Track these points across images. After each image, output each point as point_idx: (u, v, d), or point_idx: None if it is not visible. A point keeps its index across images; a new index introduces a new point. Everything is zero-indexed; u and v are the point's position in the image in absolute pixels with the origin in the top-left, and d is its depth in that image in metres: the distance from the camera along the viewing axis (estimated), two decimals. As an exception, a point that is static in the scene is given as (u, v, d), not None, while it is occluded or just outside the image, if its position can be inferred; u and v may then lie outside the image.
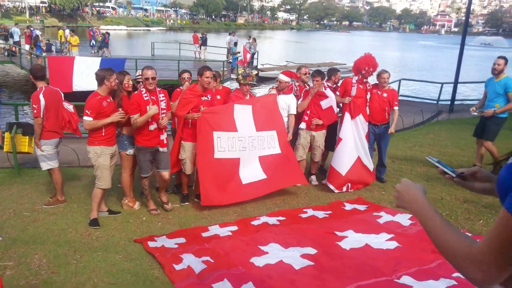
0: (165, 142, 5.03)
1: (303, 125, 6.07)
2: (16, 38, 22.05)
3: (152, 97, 4.85)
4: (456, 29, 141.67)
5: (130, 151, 5.11)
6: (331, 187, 5.86)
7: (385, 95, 6.16)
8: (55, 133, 5.12)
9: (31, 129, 5.70)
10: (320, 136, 6.12)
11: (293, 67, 18.94)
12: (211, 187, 5.21)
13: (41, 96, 4.89)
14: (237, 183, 5.42)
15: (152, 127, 4.87)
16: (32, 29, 22.46)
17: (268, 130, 5.72)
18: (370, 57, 6.04)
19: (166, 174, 5.14)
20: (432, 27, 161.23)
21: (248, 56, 18.93)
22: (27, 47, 20.80)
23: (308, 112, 6.01)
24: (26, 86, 18.67)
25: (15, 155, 6.26)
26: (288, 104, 5.92)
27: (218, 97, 5.81)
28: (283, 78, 5.96)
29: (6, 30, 23.67)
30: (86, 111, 4.59)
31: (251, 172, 5.53)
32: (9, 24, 30.21)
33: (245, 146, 5.52)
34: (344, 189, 5.88)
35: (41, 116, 4.92)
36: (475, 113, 6.44)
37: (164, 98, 4.99)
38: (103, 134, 4.71)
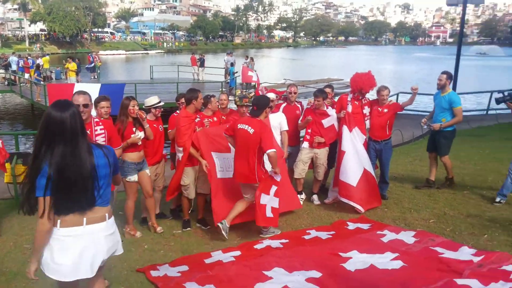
0: None
1: (305, 144, 6.09)
2: (14, 67, 22.31)
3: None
4: (451, 40, 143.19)
5: (131, 178, 5.06)
6: (354, 204, 5.69)
7: (385, 110, 6.17)
8: None
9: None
10: (323, 154, 6.12)
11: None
12: (222, 207, 5.16)
13: None
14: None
15: None
16: (29, 58, 22.75)
17: None
18: (369, 75, 6.06)
19: None
20: (428, 39, 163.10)
21: (255, 74, 18.87)
22: (26, 75, 21.06)
23: (310, 131, 6.03)
24: (26, 115, 18.80)
25: (15, 185, 6.26)
26: (279, 121, 5.96)
27: (215, 119, 5.83)
28: (271, 96, 6.00)
29: (6, 60, 24.00)
30: None
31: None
32: (8, 54, 30.63)
33: None
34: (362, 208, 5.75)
35: None
36: (425, 126, 6.56)
37: (102, 131, 4.29)
38: None
